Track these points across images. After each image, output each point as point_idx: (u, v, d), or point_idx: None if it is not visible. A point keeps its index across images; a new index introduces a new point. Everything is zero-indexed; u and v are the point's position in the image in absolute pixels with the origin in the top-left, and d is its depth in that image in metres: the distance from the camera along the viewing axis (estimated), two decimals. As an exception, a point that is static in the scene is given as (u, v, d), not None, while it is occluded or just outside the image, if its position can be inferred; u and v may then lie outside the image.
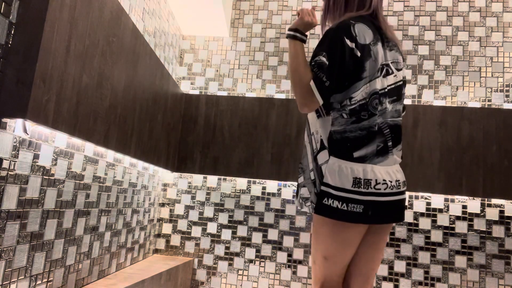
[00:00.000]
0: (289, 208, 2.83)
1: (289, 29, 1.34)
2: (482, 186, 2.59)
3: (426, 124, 2.71)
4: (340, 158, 1.23)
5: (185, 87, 3.07)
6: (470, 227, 2.65)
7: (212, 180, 2.94)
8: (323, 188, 1.23)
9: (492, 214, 2.65)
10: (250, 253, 2.81)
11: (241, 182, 2.91)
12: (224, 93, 3.03)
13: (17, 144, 1.29)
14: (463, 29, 2.89)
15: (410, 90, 2.86)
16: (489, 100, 2.77)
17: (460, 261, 2.63)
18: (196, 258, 2.85)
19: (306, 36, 1.35)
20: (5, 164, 1.24)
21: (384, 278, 2.67)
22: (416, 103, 2.83)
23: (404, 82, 1.38)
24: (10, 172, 1.26)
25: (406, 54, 2.90)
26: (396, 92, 1.32)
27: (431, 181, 2.64)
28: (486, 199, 2.65)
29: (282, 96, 2.97)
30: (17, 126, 1.27)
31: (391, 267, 2.68)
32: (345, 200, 1.19)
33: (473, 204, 2.67)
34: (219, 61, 3.09)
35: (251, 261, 2.80)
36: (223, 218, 2.87)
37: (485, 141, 2.63)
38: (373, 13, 1.35)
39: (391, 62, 1.32)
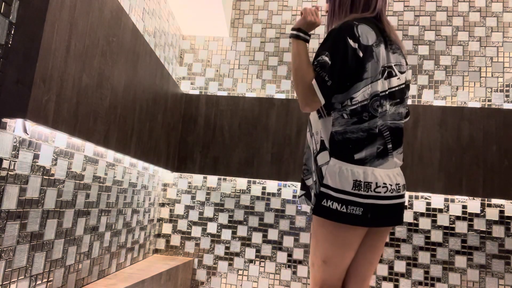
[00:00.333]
0: (289, 208, 2.83)
1: (292, 29, 1.34)
2: (482, 186, 2.59)
3: (426, 124, 2.71)
4: (341, 160, 1.22)
5: (185, 87, 3.07)
6: (470, 227, 2.65)
7: (212, 180, 2.94)
8: (322, 189, 1.22)
9: (492, 214, 2.65)
10: (250, 253, 2.81)
11: (241, 182, 2.91)
12: (224, 93, 3.03)
13: (17, 144, 1.29)
14: (463, 29, 2.89)
15: (410, 90, 2.85)
16: (489, 100, 2.77)
17: (460, 261, 2.63)
18: (196, 258, 2.85)
19: (309, 35, 1.34)
20: (5, 164, 1.24)
21: (384, 278, 2.67)
22: (416, 103, 2.83)
23: (408, 85, 1.38)
24: (10, 172, 1.26)
25: (406, 54, 2.89)
26: (399, 95, 1.32)
27: (431, 181, 2.64)
28: (486, 199, 2.65)
29: (282, 96, 2.97)
30: (17, 126, 1.27)
31: (391, 267, 2.68)
32: (345, 202, 1.19)
33: (473, 204, 2.67)
34: (219, 61, 3.09)
35: (251, 261, 2.80)
36: (223, 218, 2.87)
37: (485, 141, 2.63)
38: (377, 15, 1.35)
39: (394, 65, 1.31)
